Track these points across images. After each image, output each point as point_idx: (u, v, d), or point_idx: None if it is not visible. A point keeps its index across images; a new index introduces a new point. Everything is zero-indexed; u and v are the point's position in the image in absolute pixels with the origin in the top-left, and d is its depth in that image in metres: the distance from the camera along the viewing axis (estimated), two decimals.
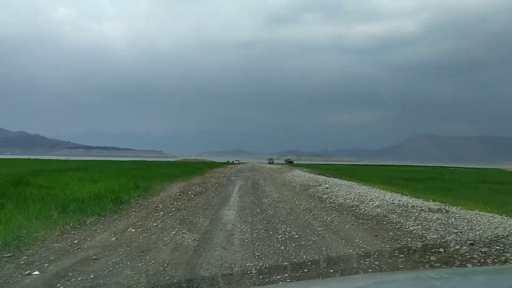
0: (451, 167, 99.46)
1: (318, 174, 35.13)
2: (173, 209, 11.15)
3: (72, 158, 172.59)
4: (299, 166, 70.04)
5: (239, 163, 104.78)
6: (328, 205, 12.19)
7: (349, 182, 23.32)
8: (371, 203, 12.10)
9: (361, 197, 13.85)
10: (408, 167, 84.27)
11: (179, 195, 14.94)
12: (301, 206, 11.89)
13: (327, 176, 30.41)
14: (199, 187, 18.58)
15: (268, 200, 13.42)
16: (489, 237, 7.05)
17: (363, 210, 10.87)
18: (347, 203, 12.40)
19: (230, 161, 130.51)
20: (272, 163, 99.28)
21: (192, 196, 14.76)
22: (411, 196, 14.86)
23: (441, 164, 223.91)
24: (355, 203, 12.28)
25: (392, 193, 15.81)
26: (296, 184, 21.31)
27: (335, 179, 25.77)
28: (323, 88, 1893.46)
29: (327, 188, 17.63)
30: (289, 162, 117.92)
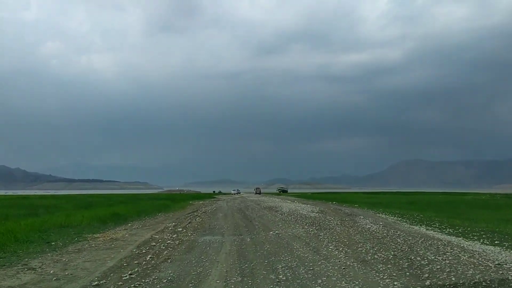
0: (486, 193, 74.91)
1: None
2: None
3: (52, 192, 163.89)
4: (296, 196, 64.16)
5: (237, 193, 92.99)
6: None
7: None
8: None
9: None
10: (457, 195, 58.83)
11: None
12: None
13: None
14: None
15: None
16: None
17: None
18: None
19: (217, 191, 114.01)
20: (260, 193, 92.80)
21: None
22: None
23: (430, 189, 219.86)
24: None
25: None
26: None
27: None
28: (309, 116, 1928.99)
29: None
30: (283, 191, 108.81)
